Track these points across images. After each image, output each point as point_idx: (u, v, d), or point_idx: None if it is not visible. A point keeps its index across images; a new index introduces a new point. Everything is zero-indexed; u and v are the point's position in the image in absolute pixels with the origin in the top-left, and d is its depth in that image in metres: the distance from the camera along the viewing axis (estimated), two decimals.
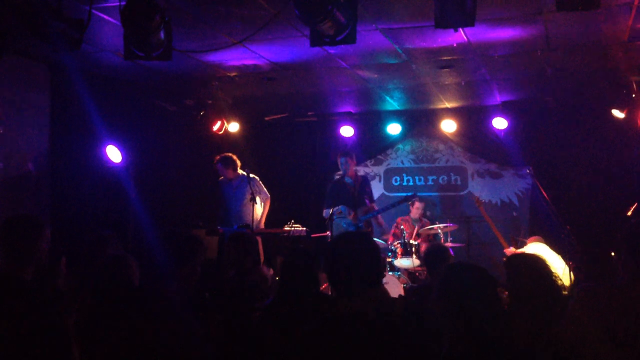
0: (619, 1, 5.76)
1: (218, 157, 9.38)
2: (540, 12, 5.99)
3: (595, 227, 8.98)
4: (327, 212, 9.05)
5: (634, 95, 8.81)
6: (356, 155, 9.66)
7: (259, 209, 9.32)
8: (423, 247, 9.85)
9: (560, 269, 8.40)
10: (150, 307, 3.82)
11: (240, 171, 9.41)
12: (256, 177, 9.33)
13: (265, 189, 9.46)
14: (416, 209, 10.23)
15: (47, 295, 4.26)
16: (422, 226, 10.04)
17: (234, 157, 9.44)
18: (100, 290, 4.40)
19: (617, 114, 9.11)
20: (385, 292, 3.48)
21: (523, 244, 9.13)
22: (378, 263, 2.95)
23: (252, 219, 8.77)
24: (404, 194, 10.73)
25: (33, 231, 3.86)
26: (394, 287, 8.37)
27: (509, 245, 9.25)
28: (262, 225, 9.37)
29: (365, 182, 9.53)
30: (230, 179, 9.33)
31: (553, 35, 6.71)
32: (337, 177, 9.78)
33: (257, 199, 9.12)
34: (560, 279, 3.58)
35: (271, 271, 6.42)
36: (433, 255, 6.12)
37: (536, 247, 8.80)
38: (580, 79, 8.67)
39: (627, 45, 7.08)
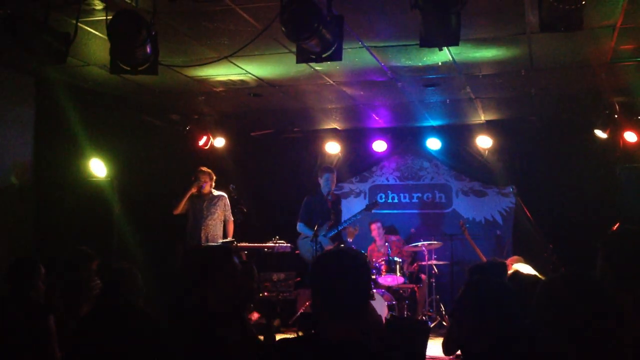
0: (601, 23, 5.83)
1: (204, 168, 9.32)
2: (524, 32, 6.07)
3: (578, 246, 9.02)
4: (301, 227, 9.07)
5: (616, 116, 8.91)
6: (341, 172, 9.68)
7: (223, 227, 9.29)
8: (406, 265, 9.88)
9: None
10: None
11: (213, 189, 9.34)
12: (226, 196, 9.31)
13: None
14: (374, 231, 10.19)
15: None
16: (390, 247, 9.99)
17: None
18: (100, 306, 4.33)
19: (600, 134, 9.21)
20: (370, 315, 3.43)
21: None
22: (361, 288, 2.63)
23: (219, 236, 8.97)
24: (388, 212, 10.79)
25: None
26: (378, 304, 8.37)
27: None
28: None
29: (339, 201, 9.52)
30: (204, 194, 9.26)
31: (537, 55, 6.79)
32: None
33: (226, 217, 9.19)
34: None
35: None
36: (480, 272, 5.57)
37: (519, 268, 8.85)
38: (563, 99, 8.76)
39: (609, 67, 7.17)
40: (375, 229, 10.19)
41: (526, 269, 8.79)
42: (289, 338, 2.78)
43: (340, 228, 9.13)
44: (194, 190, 9.10)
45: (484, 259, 9.32)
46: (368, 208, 9.35)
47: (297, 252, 9.36)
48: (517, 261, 8.95)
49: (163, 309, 3.86)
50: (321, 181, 9.21)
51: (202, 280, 3.34)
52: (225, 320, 3.31)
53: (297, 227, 9.19)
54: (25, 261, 4.86)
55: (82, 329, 4.17)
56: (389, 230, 10.67)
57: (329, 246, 8.78)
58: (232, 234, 9.26)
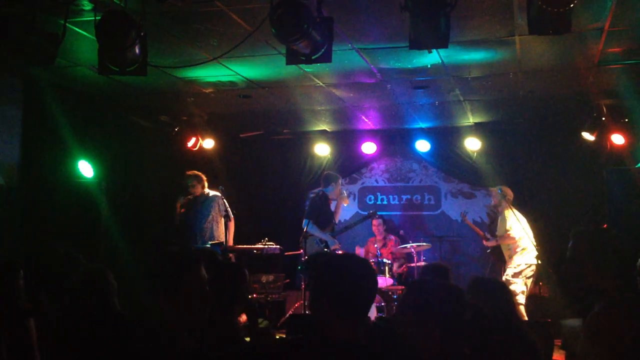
0: (590, 26, 5.87)
1: (191, 173, 9.30)
2: (512, 35, 6.09)
3: (566, 248, 9.05)
4: (306, 223, 8.92)
5: (603, 119, 8.96)
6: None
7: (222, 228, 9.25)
8: (395, 266, 9.93)
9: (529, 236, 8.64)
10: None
11: (206, 190, 9.32)
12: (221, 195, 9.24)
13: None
14: (374, 226, 10.43)
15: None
16: (385, 244, 10.14)
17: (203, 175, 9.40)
18: (75, 309, 4.28)
19: (587, 136, 9.25)
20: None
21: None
22: (373, 290, 2.78)
23: (217, 237, 8.99)
24: (378, 213, 10.80)
25: None
26: None
27: (484, 233, 9.80)
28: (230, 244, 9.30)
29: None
30: (197, 196, 9.23)
31: (525, 58, 6.82)
32: (316, 192, 9.71)
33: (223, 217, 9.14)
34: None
35: None
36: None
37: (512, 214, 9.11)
38: (551, 101, 8.80)
39: (597, 69, 7.22)
40: (376, 224, 10.43)
41: (517, 215, 9.05)
42: (288, 339, 2.78)
43: (341, 230, 9.29)
44: (183, 202, 9.14)
45: (478, 230, 9.74)
46: (367, 217, 9.62)
47: (287, 253, 9.36)
48: (502, 196, 9.17)
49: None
50: (334, 186, 9.21)
51: (159, 290, 3.22)
52: (180, 334, 3.17)
53: (303, 224, 8.97)
54: (4, 264, 4.78)
55: (58, 333, 4.14)
56: (389, 229, 10.79)
57: (334, 245, 8.84)
58: (232, 233, 9.18)
